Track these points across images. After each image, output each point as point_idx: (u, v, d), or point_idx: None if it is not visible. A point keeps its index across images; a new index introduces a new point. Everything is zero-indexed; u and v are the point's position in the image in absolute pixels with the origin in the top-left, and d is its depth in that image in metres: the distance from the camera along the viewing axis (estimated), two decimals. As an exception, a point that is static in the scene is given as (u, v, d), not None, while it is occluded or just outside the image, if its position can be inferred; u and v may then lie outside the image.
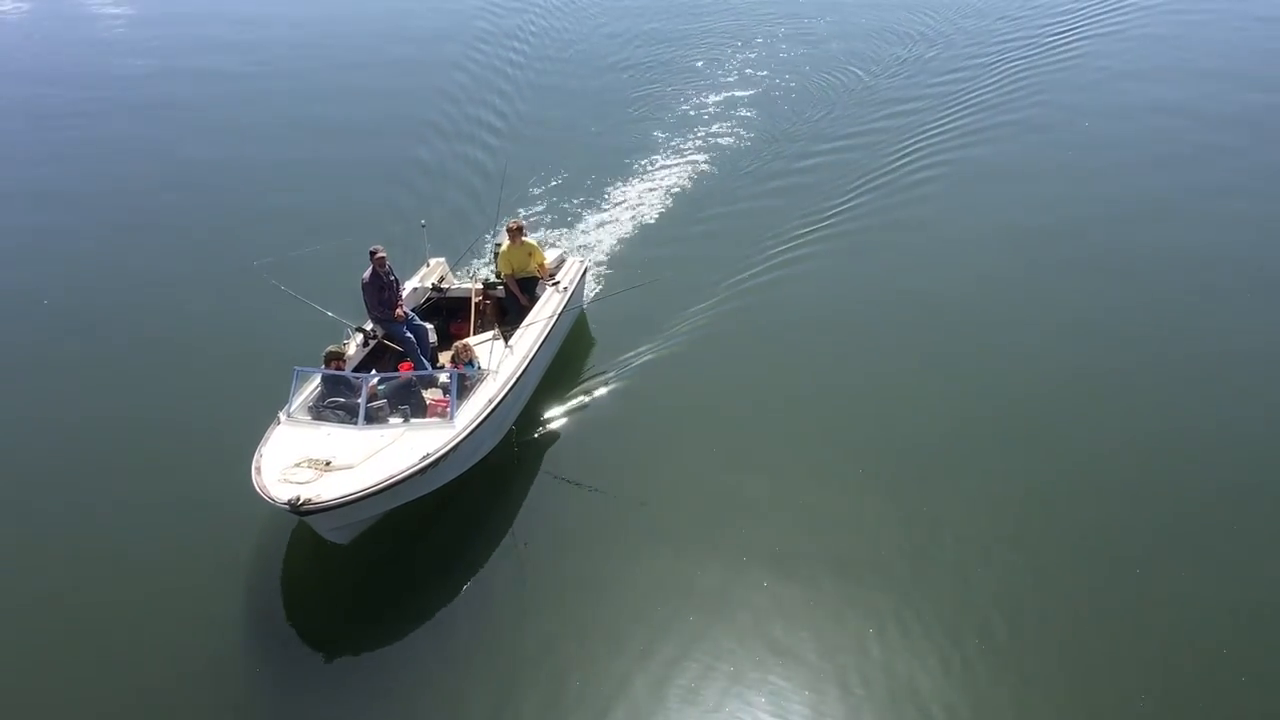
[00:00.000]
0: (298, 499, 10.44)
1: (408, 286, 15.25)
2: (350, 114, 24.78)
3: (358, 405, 11.96)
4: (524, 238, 15.26)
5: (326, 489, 10.69)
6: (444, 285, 15.67)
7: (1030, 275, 16.83)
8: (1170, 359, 14.60)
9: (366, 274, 13.94)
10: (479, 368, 12.96)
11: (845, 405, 14.04)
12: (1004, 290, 16.39)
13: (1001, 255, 17.33)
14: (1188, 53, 25.81)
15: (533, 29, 29.34)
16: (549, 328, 14.06)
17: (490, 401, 12.37)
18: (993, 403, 13.91)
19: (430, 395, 13.02)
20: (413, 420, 12.16)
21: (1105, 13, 28.40)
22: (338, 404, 12.27)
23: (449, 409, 12.09)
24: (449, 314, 15.54)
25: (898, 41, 27.20)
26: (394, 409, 12.31)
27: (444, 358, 14.28)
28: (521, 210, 19.12)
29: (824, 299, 16.43)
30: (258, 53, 29.23)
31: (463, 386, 12.45)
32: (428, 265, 15.82)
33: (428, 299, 15.53)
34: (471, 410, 12.15)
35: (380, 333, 14.17)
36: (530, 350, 13.56)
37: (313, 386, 12.61)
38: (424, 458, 11.24)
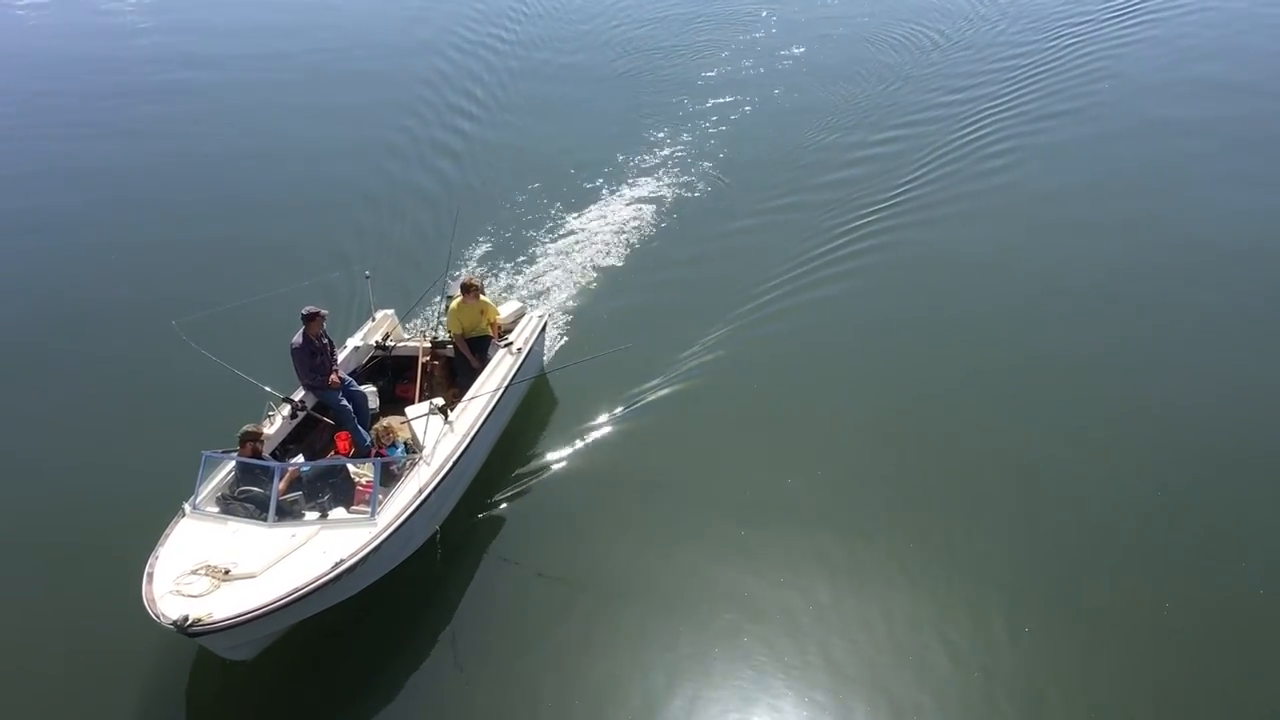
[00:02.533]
0: (185, 619, 9.14)
1: (349, 344, 13.97)
2: (284, 166, 22.11)
3: (269, 498, 10.66)
4: (480, 296, 13.94)
5: (221, 605, 9.39)
6: (390, 342, 14.33)
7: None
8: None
9: (296, 338, 12.62)
10: (407, 451, 11.63)
11: (827, 488, 12.62)
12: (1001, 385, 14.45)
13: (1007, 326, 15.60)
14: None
15: (492, 52, 27.68)
16: (495, 400, 12.70)
17: (421, 491, 11.00)
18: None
19: (360, 475, 11.73)
20: (332, 514, 10.86)
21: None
22: (250, 494, 10.95)
23: (370, 501, 10.76)
24: (396, 373, 14.24)
25: (883, 73, 25.78)
26: (312, 500, 11.02)
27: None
28: (478, 253, 17.81)
29: (811, 362, 14.90)
30: (195, 86, 26.76)
31: (388, 474, 11.12)
32: (374, 319, 14.46)
33: (371, 358, 14.21)
34: (398, 503, 10.77)
35: (310, 403, 12.85)
36: (473, 427, 12.17)
37: (227, 470, 11.31)
38: (336, 565, 9.91)
